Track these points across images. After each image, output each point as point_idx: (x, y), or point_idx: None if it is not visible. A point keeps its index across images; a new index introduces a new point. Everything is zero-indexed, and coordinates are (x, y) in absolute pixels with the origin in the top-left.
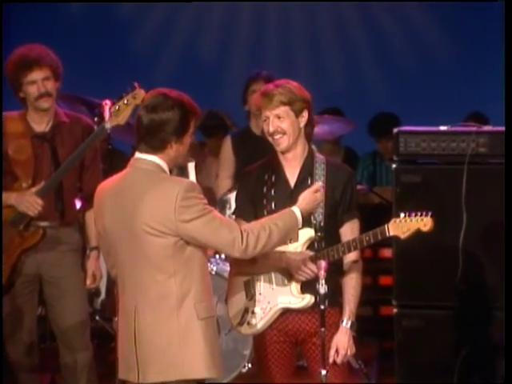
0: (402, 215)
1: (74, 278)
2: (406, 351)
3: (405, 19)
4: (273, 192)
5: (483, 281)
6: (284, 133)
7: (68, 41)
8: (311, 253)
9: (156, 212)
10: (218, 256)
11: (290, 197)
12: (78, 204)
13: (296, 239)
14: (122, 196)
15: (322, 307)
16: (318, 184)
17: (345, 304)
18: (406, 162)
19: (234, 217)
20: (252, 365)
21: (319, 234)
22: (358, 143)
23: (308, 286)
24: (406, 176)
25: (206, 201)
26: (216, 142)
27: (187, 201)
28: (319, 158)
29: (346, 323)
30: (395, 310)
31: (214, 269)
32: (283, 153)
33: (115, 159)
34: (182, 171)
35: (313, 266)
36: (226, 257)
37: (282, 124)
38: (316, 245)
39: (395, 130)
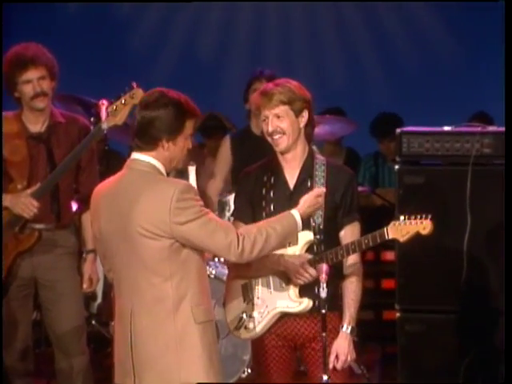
0: (402, 218)
1: (70, 282)
2: (409, 356)
3: (408, 19)
4: (272, 194)
5: (487, 284)
6: (283, 133)
7: (66, 40)
8: (309, 256)
9: (151, 214)
10: (216, 259)
11: (289, 199)
12: (75, 206)
13: (295, 242)
14: (118, 198)
15: (324, 311)
16: (322, 189)
17: (345, 309)
18: (409, 163)
19: (232, 219)
20: (251, 370)
21: (318, 236)
22: (359, 144)
23: (306, 290)
24: (409, 177)
25: (202, 203)
26: (215, 143)
27: (183, 202)
28: (319, 159)
29: (346, 328)
30: (398, 314)
31: (213, 272)
32: (283, 153)
33: (112, 160)
34: (183, 175)
35: (311, 270)
36: (224, 260)
37: (281, 124)
38: (315, 248)
39: (398, 131)
